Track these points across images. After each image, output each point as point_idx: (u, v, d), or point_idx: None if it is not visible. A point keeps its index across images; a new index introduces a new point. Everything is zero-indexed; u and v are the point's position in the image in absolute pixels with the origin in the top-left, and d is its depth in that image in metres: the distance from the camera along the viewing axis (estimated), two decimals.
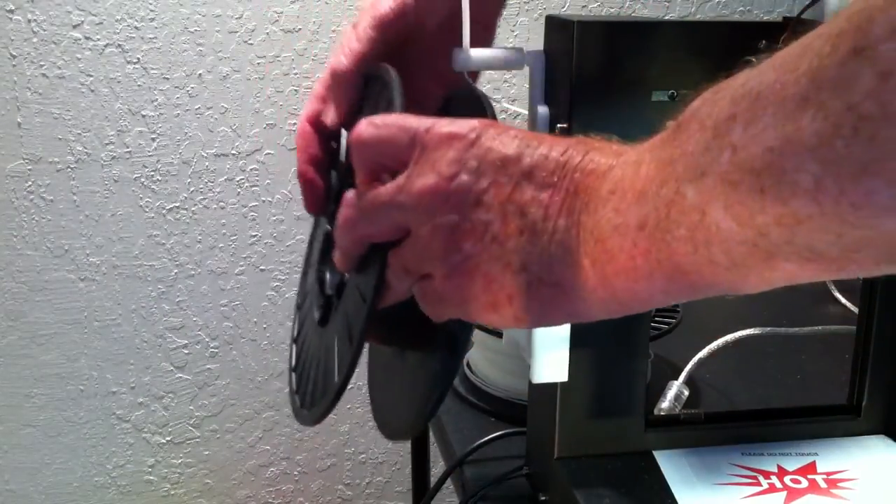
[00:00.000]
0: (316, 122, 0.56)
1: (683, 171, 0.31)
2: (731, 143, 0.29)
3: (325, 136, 0.56)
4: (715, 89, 0.31)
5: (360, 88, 0.54)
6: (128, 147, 1.30)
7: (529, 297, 0.37)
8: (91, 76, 1.26)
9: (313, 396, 0.51)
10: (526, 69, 0.58)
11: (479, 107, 0.48)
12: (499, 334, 0.77)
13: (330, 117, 0.55)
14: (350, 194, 0.44)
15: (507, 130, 0.39)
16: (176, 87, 1.29)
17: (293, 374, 0.57)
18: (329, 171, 0.57)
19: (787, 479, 0.60)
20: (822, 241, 0.28)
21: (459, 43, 0.55)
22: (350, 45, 0.53)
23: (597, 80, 0.54)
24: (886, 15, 0.24)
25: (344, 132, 0.57)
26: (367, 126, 0.42)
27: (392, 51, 0.54)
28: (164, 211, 1.34)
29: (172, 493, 1.47)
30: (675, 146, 0.32)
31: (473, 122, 0.39)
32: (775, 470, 0.61)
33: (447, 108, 0.55)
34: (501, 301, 0.38)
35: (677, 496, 0.57)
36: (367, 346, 0.55)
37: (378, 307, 0.44)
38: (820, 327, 0.85)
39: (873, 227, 0.26)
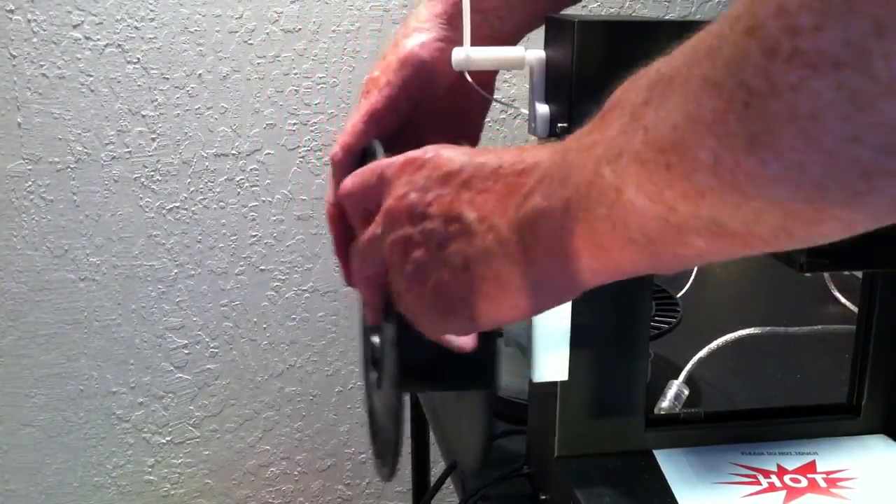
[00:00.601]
0: (339, 204, 0.62)
1: (602, 153, 0.33)
2: (644, 124, 0.31)
3: None
4: (635, 77, 0.33)
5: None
6: (128, 147, 1.30)
7: (476, 295, 0.40)
8: (91, 76, 1.26)
9: (384, 454, 0.56)
10: (526, 69, 0.58)
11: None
12: (499, 333, 0.77)
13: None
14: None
15: (458, 149, 0.42)
16: (176, 87, 1.29)
17: (375, 440, 0.63)
18: None
19: (786, 478, 0.60)
20: (725, 213, 0.29)
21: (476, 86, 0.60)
22: (344, 137, 0.60)
23: (597, 79, 0.54)
24: None
25: None
26: (349, 179, 0.47)
27: (389, 133, 0.60)
28: (164, 211, 1.34)
29: (172, 493, 1.47)
30: (598, 132, 0.34)
31: (428, 147, 0.43)
32: (775, 469, 0.61)
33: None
34: (454, 304, 0.41)
35: (677, 495, 0.58)
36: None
37: (401, 349, 0.48)
38: (820, 327, 0.85)
39: (767, 197, 0.28)
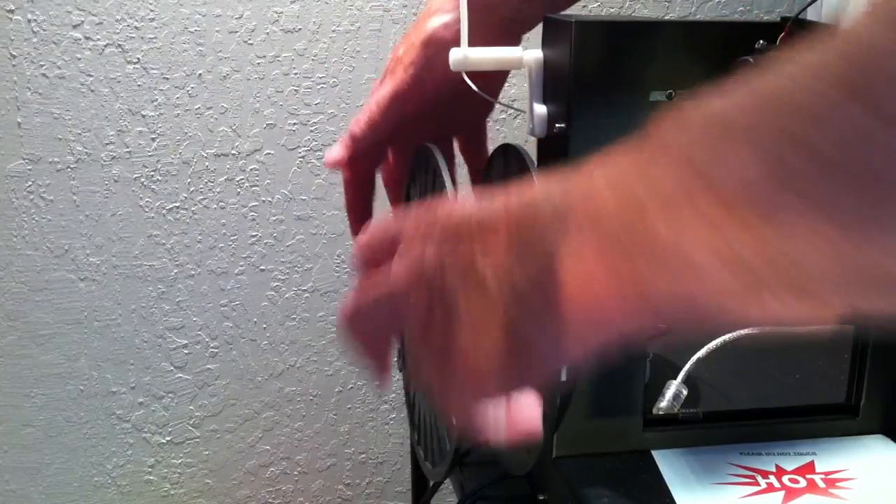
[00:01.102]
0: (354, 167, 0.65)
1: (648, 201, 0.30)
2: (708, 175, 0.28)
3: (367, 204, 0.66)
4: (680, 114, 0.30)
5: (374, 156, 0.64)
6: (128, 147, 1.30)
7: (507, 355, 0.36)
8: (91, 76, 1.26)
9: (436, 453, 0.57)
10: (524, 69, 0.58)
11: (521, 159, 0.54)
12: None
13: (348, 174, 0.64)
14: None
15: (467, 199, 0.39)
16: (176, 87, 1.29)
17: (419, 447, 0.65)
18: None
19: (785, 478, 0.60)
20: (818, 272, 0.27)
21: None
22: (370, 115, 0.60)
23: (595, 79, 0.54)
24: (889, 59, 0.23)
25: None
26: (362, 235, 0.43)
27: (415, 112, 0.61)
28: (164, 211, 1.34)
29: (172, 493, 1.47)
30: (634, 170, 0.31)
31: (436, 202, 0.39)
32: (773, 469, 0.61)
33: (491, 162, 0.63)
34: (485, 375, 0.37)
35: (675, 496, 0.57)
36: None
37: None
38: (819, 327, 0.85)
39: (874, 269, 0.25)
